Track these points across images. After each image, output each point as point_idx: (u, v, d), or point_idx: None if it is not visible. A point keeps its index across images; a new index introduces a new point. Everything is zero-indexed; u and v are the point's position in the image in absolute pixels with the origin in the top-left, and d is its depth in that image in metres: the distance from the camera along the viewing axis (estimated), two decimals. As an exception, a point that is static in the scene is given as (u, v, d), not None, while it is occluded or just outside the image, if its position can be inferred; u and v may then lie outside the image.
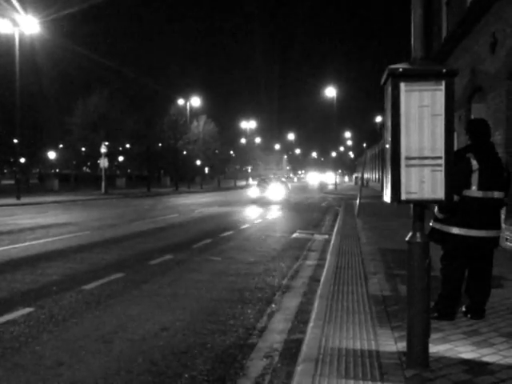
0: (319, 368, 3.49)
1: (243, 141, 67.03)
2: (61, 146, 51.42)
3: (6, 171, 68.95)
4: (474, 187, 4.38)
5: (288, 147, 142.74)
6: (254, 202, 27.04)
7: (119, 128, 41.43)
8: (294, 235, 12.38)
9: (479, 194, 4.39)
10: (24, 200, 25.41)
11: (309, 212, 20.45)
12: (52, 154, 52.90)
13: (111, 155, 39.95)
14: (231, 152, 66.00)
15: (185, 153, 49.44)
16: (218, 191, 46.53)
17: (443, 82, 3.32)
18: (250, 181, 67.50)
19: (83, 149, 44.13)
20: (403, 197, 3.39)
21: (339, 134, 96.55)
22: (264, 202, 26.70)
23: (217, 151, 57.18)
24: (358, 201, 17.17)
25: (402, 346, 3.82)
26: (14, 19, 25.39)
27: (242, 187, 55.31)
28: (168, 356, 4.13)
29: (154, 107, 48.02)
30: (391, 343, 3.98)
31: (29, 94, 34.91)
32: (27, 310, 5.42)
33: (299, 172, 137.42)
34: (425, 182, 3.37)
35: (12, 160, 43.41)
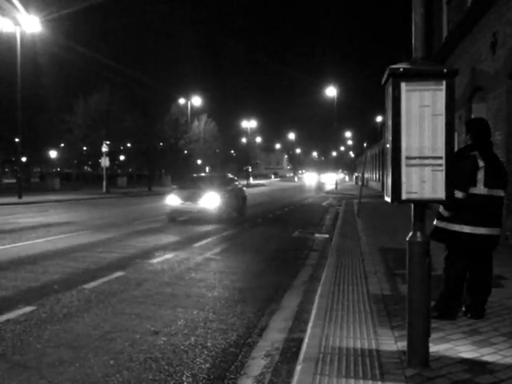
0: (319, 367, 3.50)
1: (244, 140, 67.06)
2: (62, 144, 51.44)
3: (7, 170, 69.10)
4: (479, 185, 4.39)
5: (288, 147, 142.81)
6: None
7: (120, 127, 41.44)
8: (295, 234, 12.40)
9: (485, 191, 4.39)
10: (25, 199, 25.44)
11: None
12: (53, 153, 52.92)
13: (112, 154, 39.95)
14: (232, 151, 66.07)
15: (186, 152, 49.50)
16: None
17: (444, 82, 3.33)
18: (251, 180, 67.57)
19: (84, 148, 44.17)
20: (404, 196, 3.40)
21: (340, 133, 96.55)
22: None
23: (217, 150, 57.22)
24: (358, 200, 17.18)
25: (402, 345, 3.83)
26: (16, 18, 25.41)
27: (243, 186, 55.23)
28: (169, 354, 4.14)
29: (154, 106, 48.05)
30: (391, 342, 3.99)
31: (30, 93, 34.95)
32: (28, 308, 5.44)
33: (299, 171, 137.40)
34: (425, 182, 3.38)
35: (13, 159, 43.48)
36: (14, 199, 25.04)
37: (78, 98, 41.78)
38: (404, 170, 3.38)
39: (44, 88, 42.02)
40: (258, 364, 4.03)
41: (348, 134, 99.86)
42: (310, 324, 4.57)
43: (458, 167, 4.16)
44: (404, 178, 3.39)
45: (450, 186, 3.38)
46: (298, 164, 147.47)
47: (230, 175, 21.18)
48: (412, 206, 3.52)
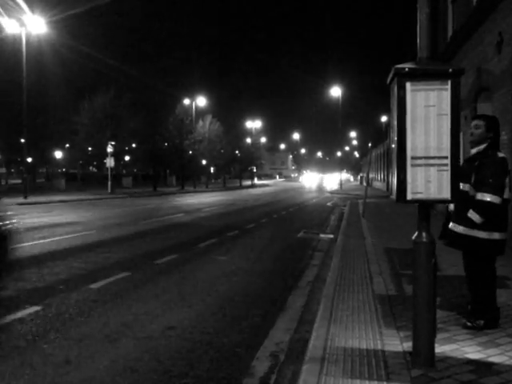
0: (325, 367, 3.50)
1: (248, 140, 66.98)
2: (67, 145, 51.65)
3: (13, 170, 69.36)
4: (507, 189, 4.16)
5: (293, 147, 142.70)
6: None
7: (125, 127, 41.56)
8: (300, 235, 12.39)
9: (509, 195, 4.22)
10: (31, 199, 25.56)
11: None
12: (59, 154, 53.16)
13: (117, 155, 40.02)
14: (236, 152, 66.02)
15: (190, 152, 49.51)
16: (224, 191, 46.63)
17: (449, 82, 3.32)
18: (256, 180, 67.46)
19: (90, 148, 44.29)
20: (409, 196, 3.39)
21: (344, 133, 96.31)
22: None
23: (222, 151, 57.19)
24: (363, 200, 17.15)
25: (407, 345, 3.82)
26: (21, 19, 25.53)
27: (247, 187, 55.36)
28: (174, 355, 4.15)
29: (160, 107, 48.17)
30: (397, 343, 3.98)
31: (36, 94, 35.11)
32: (34, 308, 5.46)
33: (304, 171, 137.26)
34: (431, 182, 3.37)
35: (19, 159, 43.66)
36: (20, 199, 25.15)
37: (83, 98, 41.96)
38: (409, 170, 3.37)
39: (49, 89, 42.21)
40: (263, 364, 4.03)
41: (353, 134, 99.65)
42: (316, 324, 4.56)
43: (493, 170, 4.05)
44: (409, 178, 3.38)
45: (455, 186, 3.37)
46: (302, 164, 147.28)
47: None
48: (417, 206, 3.51)
